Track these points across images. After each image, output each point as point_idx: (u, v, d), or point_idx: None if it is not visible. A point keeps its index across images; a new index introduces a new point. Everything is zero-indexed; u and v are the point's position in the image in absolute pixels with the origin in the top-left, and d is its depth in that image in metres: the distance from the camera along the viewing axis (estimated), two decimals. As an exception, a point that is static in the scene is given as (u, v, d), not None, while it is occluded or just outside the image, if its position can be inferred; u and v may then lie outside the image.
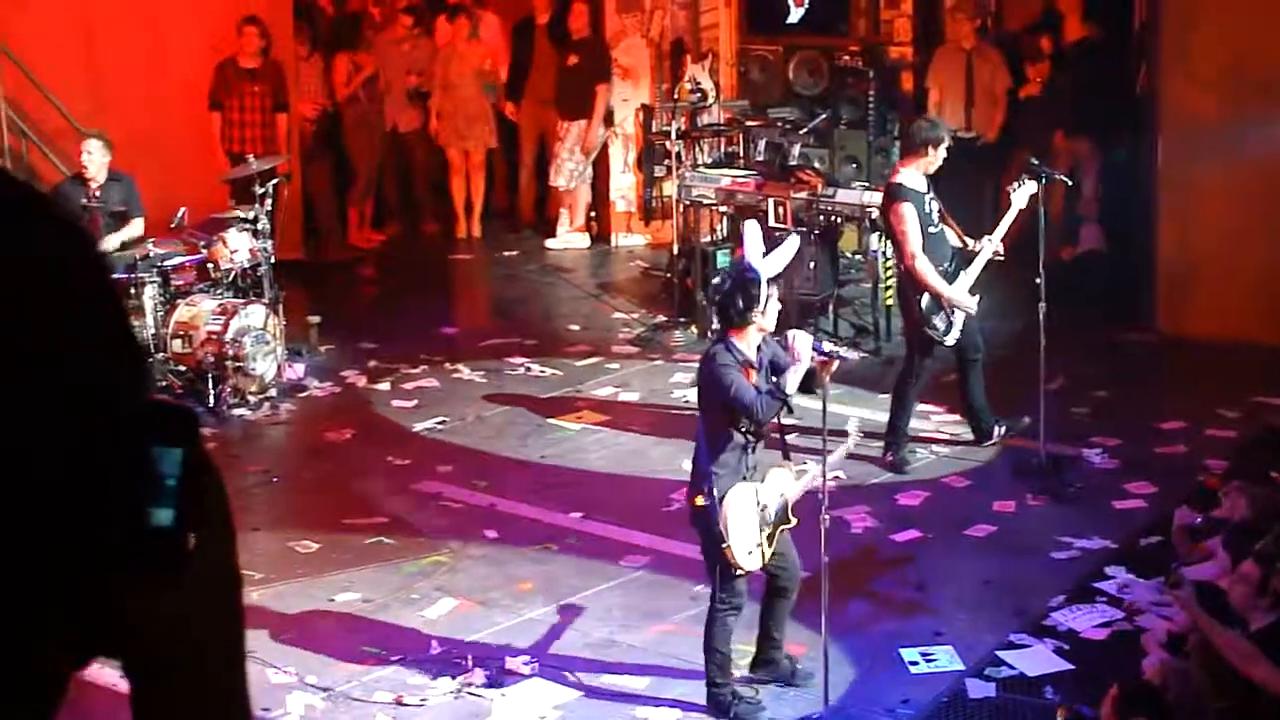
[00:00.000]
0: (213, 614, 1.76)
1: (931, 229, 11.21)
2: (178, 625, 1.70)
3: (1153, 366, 13.74)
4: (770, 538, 8.32)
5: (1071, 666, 8.67)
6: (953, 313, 11.17)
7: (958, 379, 11.61)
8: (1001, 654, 8.86)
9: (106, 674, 1.73)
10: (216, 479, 1.71)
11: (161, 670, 1.73)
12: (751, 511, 8.25)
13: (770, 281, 8.34)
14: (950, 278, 11.16)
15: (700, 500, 8.25)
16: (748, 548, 8.22)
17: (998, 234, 11.29)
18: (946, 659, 8.85)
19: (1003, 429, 11.58)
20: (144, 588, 1.62)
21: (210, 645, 1.77)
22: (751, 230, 8.64)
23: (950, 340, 11.23)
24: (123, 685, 1.71)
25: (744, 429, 8.24)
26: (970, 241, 11.36)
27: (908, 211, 11.12)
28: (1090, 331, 13.56)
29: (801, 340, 8.32)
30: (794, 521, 8.44)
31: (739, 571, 8.23)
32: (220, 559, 1.74)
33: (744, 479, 8.29)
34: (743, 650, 8.71)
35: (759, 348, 8.38)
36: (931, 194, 11.31)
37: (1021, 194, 11.30)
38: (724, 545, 8.18)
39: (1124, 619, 9.12)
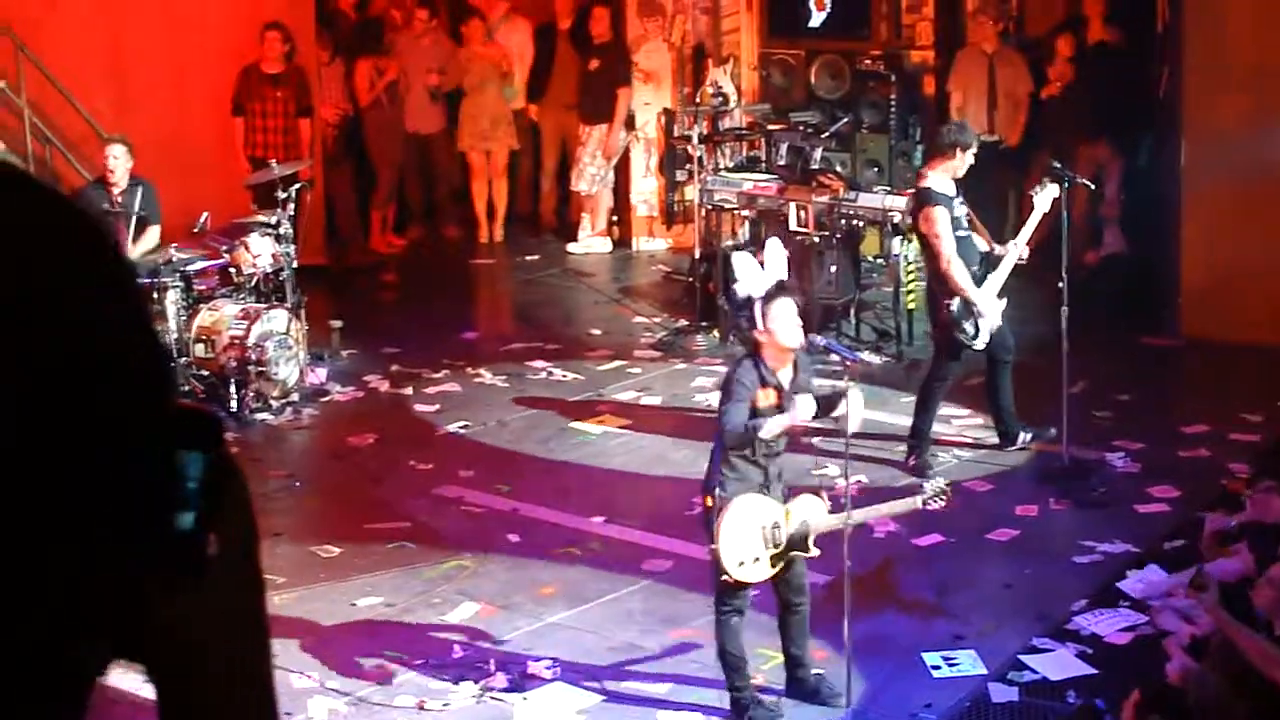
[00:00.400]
0: (236, 618, 1.76)
1: (960, 233, 11.20)
2: (200, 629, 1.70)
3: (1175, 370, 13.71)
4: (777, 559, 8.26)
5: (1094, 671, 8.66)
6: (982, 317, 11.16)
7: (986, 380, 11.60)
8: (1024, 658, 8.85)
9: (126, 681, 1.73)
10: (240, 483, 1.71)
11: (185, 674, 1.73)
12: (756, 524, 8.19)
13: (775, 297, 8.27)
14: (978, 282, 11.14)
15: (710, 501, 8.24)
16: (740, 558, 8.15)
17: (1022, 238, 11.28)
18: (969, 663, 8.84)
19: (1028, 436, 11.56)
20: (166, 591, 1.62)
21: (234, 649, 1.77)
22: (774, 247, 8.59)
23: (979, 345, 11.22)
24: (142, 693, 1.71)
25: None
26: (996, 246, 11.35)
27: (940, 215, 11.10)
28: (1113, 335, 13.53)
29: (802, 407, 8.23)
30: (815, 552, 8.38)
31: (725, 577, 8.20)
32: (243, 563, 1.74)
33: (762, 489, 8.26)
34: (765, 655, 8.71)
35: (795, 365, 8.34)
36: (960, 198, 11.29)
37: (1044, 197, 11.29)
38: (712, 546, 8.17)
39: (1147, 623, 9.10)
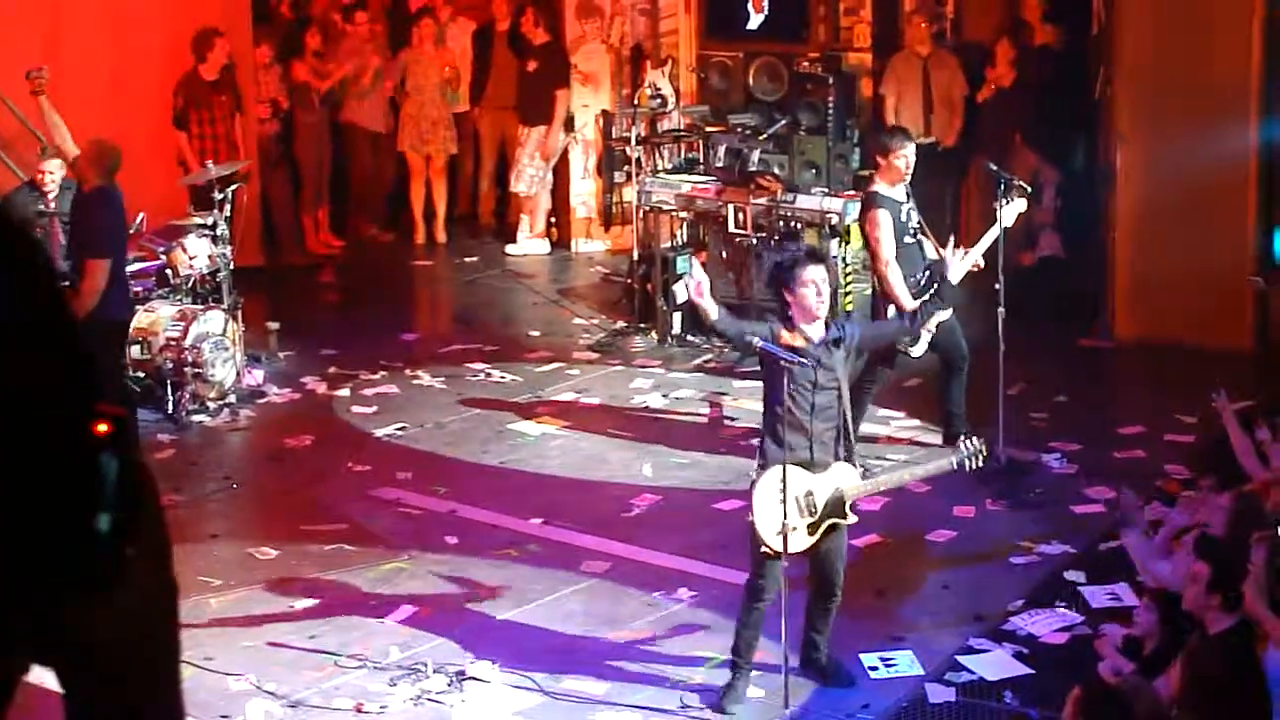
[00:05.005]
0: (148, 621, 1.75)
1: (907, 239, 11.23)
2: (113, 632, 1.69)
3: (1110, 372, 13.79)
4: (814, 527, 8.35)
5: (1031, 671, 8.71)
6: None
7: (940, 383, 11.64)
8: (961, 659, 8.89)
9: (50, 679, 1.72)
10: (152, 487, 1.71)
11: (94, 676, 1.72)
12: (789, 494, 8.26)
13: (803, 264, 8.43)
14: (922, 290, 11.16)
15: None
16: (777, 529, 8.21)
17: (978, 249, 11.25)
18: (906, 664, 8.88)
19: (969, 443, 11.57)
20: (81, 593, 1.61)
21: (146, 653, 1.76)
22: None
23: (916, 353, 11.24)
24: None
25: (788, 395, 8.29)
26: (947, 255, 11.39)
27: (882, 218, 11.16)
28: (1049, 337, 13.60)
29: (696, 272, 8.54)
30: (851, 519, 8.51)
31: (764, 549, 8.23)
32: (156, 566, 1.73)
33: (806, 458, 8.34)
34: (706, 656, 8.72)
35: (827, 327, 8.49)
36: (911, 205, 11.33)
37: (1009, 211, 11.27)
38: (749, 518, 8.24)
39: (1083, 623, 9.16)
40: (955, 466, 8.82)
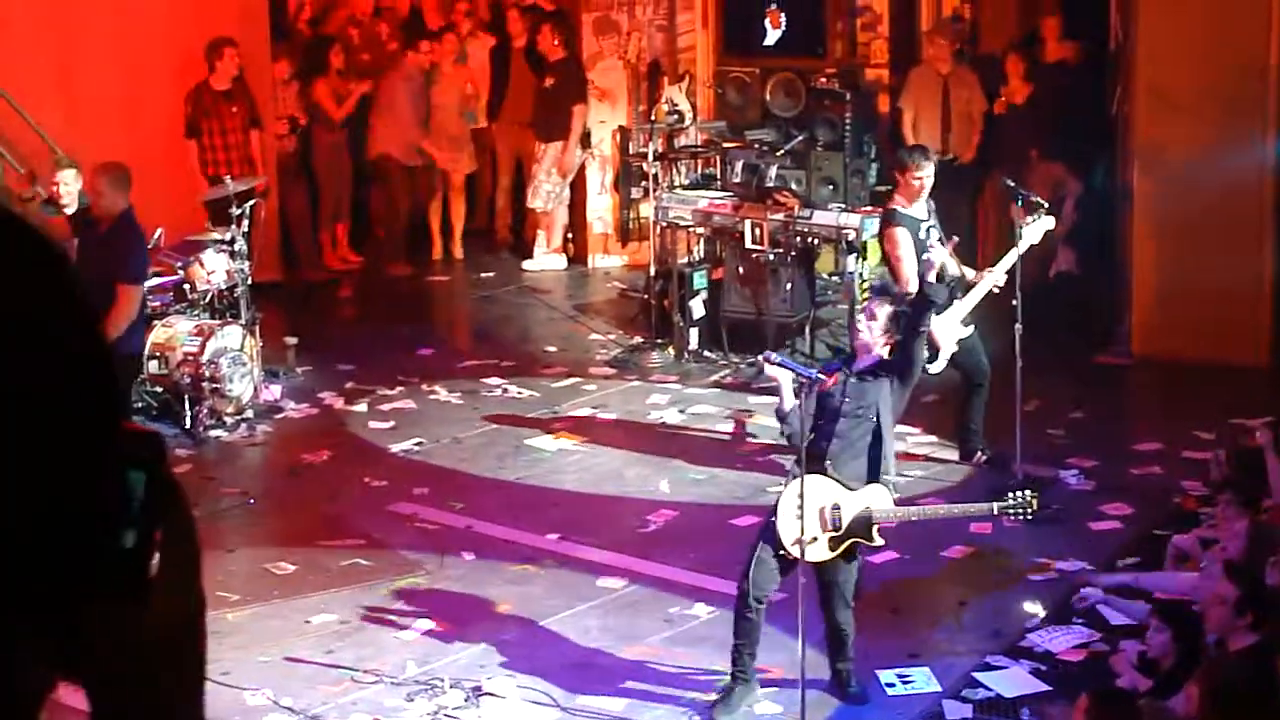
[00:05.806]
0: (174, 636, 1.75)
1: (926, 256, 11.21)
2: (138, 647, 1.69)
3: (1128, 388, 13.76)
4: (836, 542, 8.36)
5: (1048, 687, 8.69)
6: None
7: (959, 400, 11.64)
8: (978, 675, 8.88)
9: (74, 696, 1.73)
10: (182, 502, 1.71)
11: (120, 691, 1.72)
12: (814, 504, 8.27)
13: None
14: (943, 308, 11.14)
15: None
16: (795, 535, 8.21)
17: (1001, 266, 11.22)
18: (923, 681, 8.86)
19: (984, 456, 11.59)
20: (106, 608, 1.62)
21: (170, 667, 1.76)
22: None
23: (935, 369, 11.21)
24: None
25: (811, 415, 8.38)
26: (969, 272, 11.37)
27: (901, 236, 11.16)
28: (1065, 353, 13.57)
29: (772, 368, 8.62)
30: (879, 541, 8.53)
31: (782, 552, 8.23)
32: (184, 581, 1.73)
33: (822, 471, 8.38)
34: (716, 671, 8.71)
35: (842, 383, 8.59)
36: (932, 222, 11.32)
37: (1035, 229, 11.21)
38: (771, 519, 8.27)
39: (1100, 639, 9.14)
40: (996, 514, 8.82)
